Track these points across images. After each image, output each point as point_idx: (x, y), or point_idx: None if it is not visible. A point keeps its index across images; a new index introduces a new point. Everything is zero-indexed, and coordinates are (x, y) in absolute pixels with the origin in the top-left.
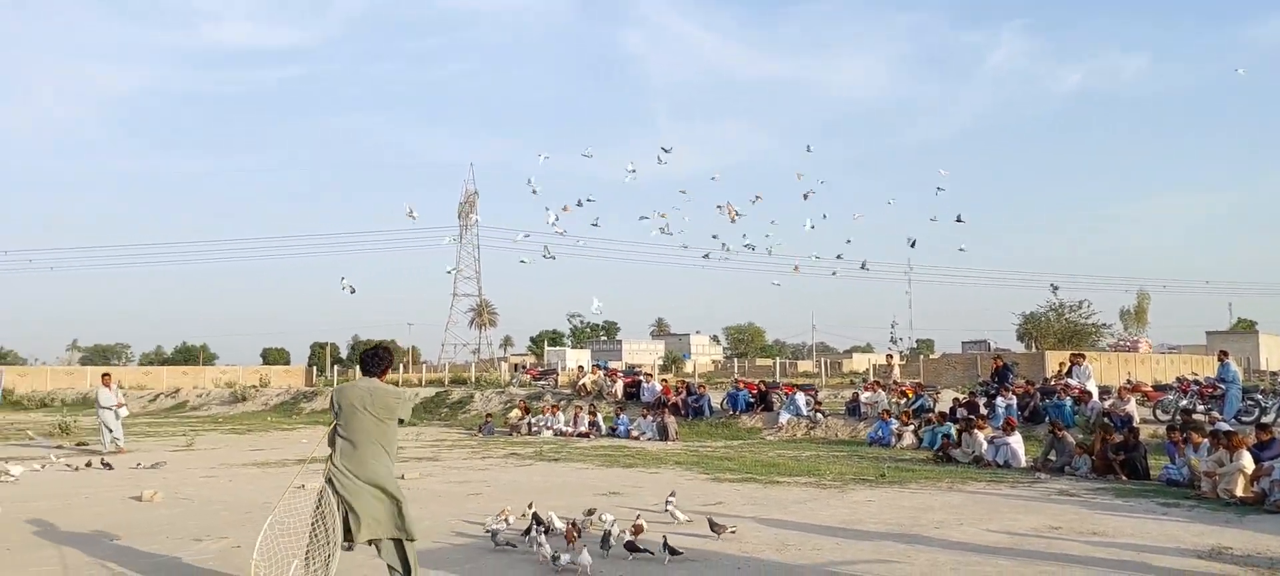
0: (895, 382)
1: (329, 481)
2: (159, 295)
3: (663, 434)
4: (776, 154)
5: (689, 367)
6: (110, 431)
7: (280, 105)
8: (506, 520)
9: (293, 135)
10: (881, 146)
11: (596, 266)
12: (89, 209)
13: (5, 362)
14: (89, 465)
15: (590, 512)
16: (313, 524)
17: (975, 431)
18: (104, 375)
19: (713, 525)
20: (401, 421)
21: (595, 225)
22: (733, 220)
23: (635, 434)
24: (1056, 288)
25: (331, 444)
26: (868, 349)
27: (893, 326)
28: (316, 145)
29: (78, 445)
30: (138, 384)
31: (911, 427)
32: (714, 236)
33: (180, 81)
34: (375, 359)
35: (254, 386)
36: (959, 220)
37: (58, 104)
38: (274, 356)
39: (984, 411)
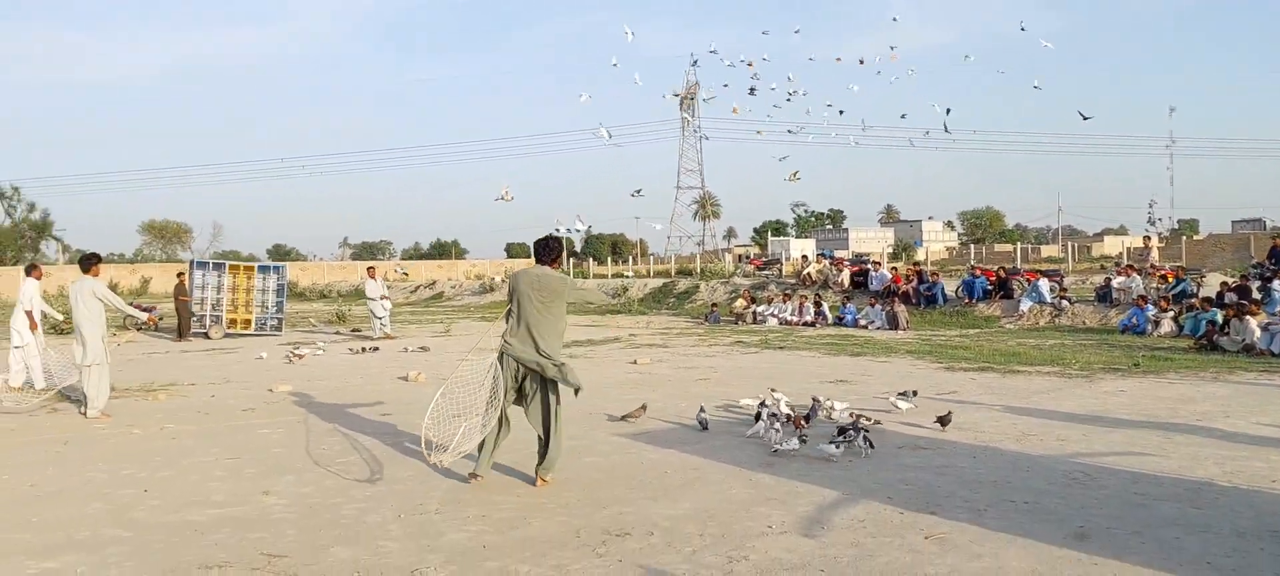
0: (1152, 266)
1: (500, 355)
2: (415, 195)
3: (892, 323)
4: (1018, 23)
5: (920, 255)
6: (378, 319)
7: (515, 8)
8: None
9: (530, 39)
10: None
11: (821, 153)
12: (352, 117)
13: (289, 259)
14: (363, 350)
15: (816, 402)
16: (483, 388)
17: (1247, 317)
18: (370, 268)
19: (940, 419)
20: (588, 306)
21: (834, 109)
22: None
23: (863, 323)
24: None
25: (506, 321)
26: (1121, 231)
27: (1151, 205)
28: (553, 47)
29: (352, 331)
30: (398, 276)
31: (1170, 314)
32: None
33: None
34: (545, 248)
35: (501, 278)
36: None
37: (315, 20)
38: (516, 250)
39: (1257, 296)
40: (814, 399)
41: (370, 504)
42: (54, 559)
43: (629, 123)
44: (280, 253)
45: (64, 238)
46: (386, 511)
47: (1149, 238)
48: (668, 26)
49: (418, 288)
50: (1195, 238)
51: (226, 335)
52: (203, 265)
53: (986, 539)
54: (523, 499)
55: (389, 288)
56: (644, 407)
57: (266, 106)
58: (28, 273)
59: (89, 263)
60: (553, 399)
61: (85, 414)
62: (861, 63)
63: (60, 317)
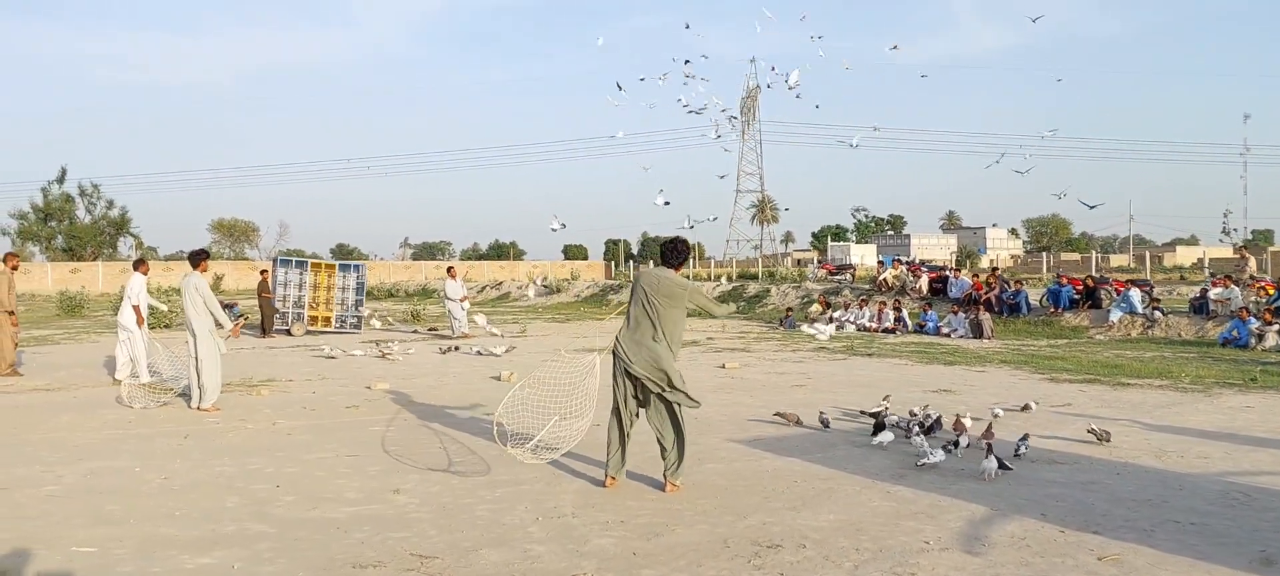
0: (1252, 277)
1: (614, 353)
2: (474, 196)
3: (976, 331)
4: (1086, 19)
5: (984, 262)
6: (457, 319)
7: (566, 13)
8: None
9: (584, 42)
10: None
11: (882, 158)
12: (415, 119)
13: (352, 257)
14: (447, 350)
15: (927, 415)
16: (577, 388)
17: None
18: (449, 268)
19: (1095, 433)
20: (704, 313)
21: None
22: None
23: (946, 331)
24: None
25: (626, 317)
26: (1192, 241)
27: (1226, 215)
28: (607, 52)
29: (430, 330)
30: (465, 276)
31: (1275, 327)
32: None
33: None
34: (672, 251)
35: (566, 279)
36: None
37: (372, 23)
38: (573, 252)
39: None
40: (958, 416)
41: (502, 505)
42: (207, 554)
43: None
44: (343, 251)
45: (140, 234)
46: (522, 513)
47: (1242, 248)
48: (726, 31)
49: (484, 287)
50: (1273, 248)
51: (308, 332)
52: (286, 262)
53: (1164, 562)
54: (656, 505)
55: (468, 289)
56: (798, 419)
57: (328, 108)
58: (135, 267)
59: (198, 259)
60: (675, 405)
61: (197, 407)
62: (923, 77)
63: (164, 309)
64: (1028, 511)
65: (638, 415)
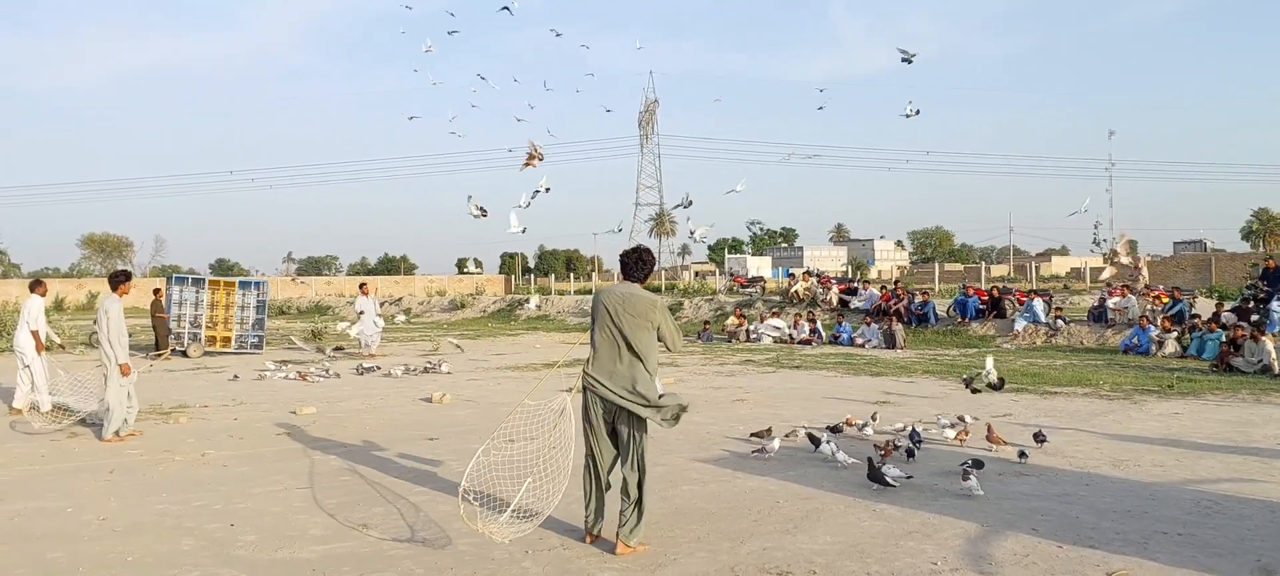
0: (1147, 287)
1: (584, 387)
2: (360, 209)
3: (889, 341)
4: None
5: (873, 273)
6: (370, 338)
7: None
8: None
9: (479, 52)
10: (1075, 33)
11: (773, 172)
12: (294, 129)
13: (232, 273)
14: (364, 372)
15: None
16: (548, 440)
17: (1263, 339)
18: (361, 285)
19: (1037, 437)
20: (666, 342)
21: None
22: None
23: (860, 341)
24: None
25: (591, 346)
26: (1063, 252)
27: (1095, 227)
28: (503, 61)
29: (335, 349)
30: (353, 293)
31: (1173, 334)
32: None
33: (367, 3)
34: (637, 263)
35: (471, 294)
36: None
37: (256, 28)
38: (467, 266)
39: (1254, 318)
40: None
41: (485, 538)
42: None
43: (583, 139)
44: (223, 267)
45: (7, 252)
46: (510, 547)
47: (1140, 257)
48: (624, 44)
49: (383, 304)
50: (1149, 258)
51: (206, 353)
52: (181, 280)
53: None
54: (648, 534)
55: (382, 306)
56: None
57: (207, 118)
58: (32, 289)
59: (117, 281)
60: (644, 442)
61: (106, 437)
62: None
63: (57, 340)
64: (1018, 527)
65: (615, 460)
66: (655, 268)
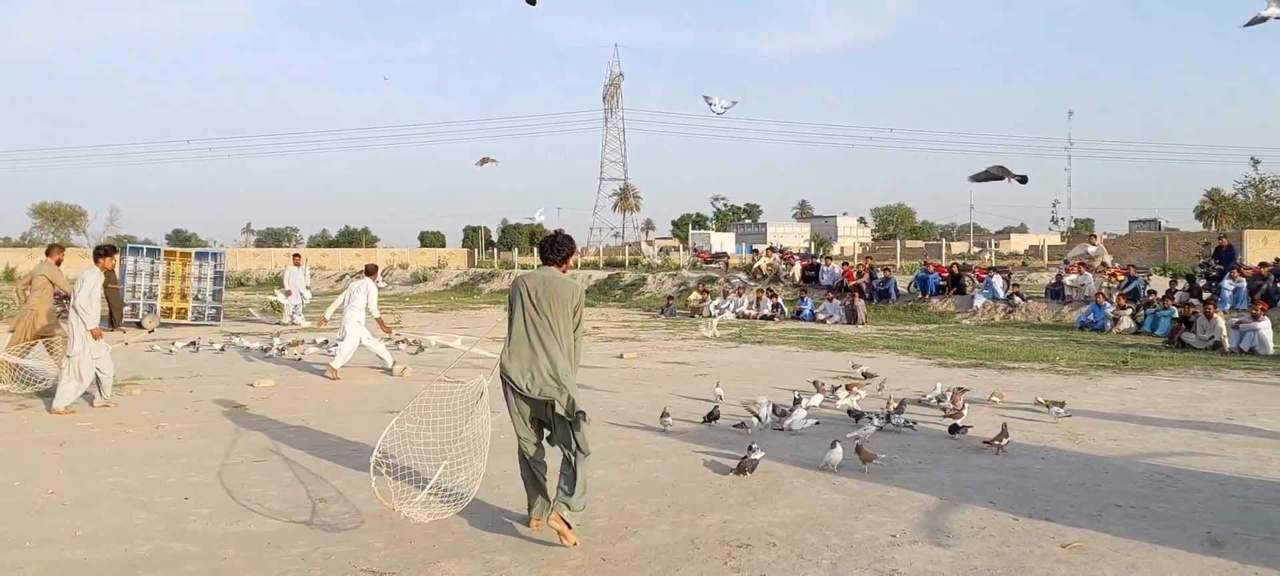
0: (1103, 265)
1: (502, 377)
2: (323, 180)
3: (851, 317)
4: (928, 22)
5: (835, 250)
6: (295, 310)
7: None
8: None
9: (445, 24)
10: (1038, 12)
11: (738, 148)
12: (257, 99)
13: (189, 244)
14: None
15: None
16: (464, 423)
17: (1215, 316)
18: (294, 255)
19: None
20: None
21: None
22: None
23: (821, 317)
24: (1258, 161)
25: (508, 336)
26: (1022, 230)
27: (1054, 205)
28: (466, 34)
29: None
30: (318, 264)
31: (1128, 311)
32: None
33: None
34: (554, 246)
35: (433, 267)
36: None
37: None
38: (430, 239)
39: (1206, 295)
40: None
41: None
42: None
43: (546, 112)
44: (180, 238)
45: None
46: (468, 522)
47: (1094, 236)
48: (588, 16)
49: (343, 276)
50: (1100, 237)
51: (161, 325)
52: (136, 250)
53: (1127, 548)
54: (609, 506)
55: (311, 277)
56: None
57: (163, 86)
58: None
59: (100, 254)
60: (582, 427)
61: (56, 409)
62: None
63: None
64: (975, 499)
65: (545, 442)
66: (575, 251)
